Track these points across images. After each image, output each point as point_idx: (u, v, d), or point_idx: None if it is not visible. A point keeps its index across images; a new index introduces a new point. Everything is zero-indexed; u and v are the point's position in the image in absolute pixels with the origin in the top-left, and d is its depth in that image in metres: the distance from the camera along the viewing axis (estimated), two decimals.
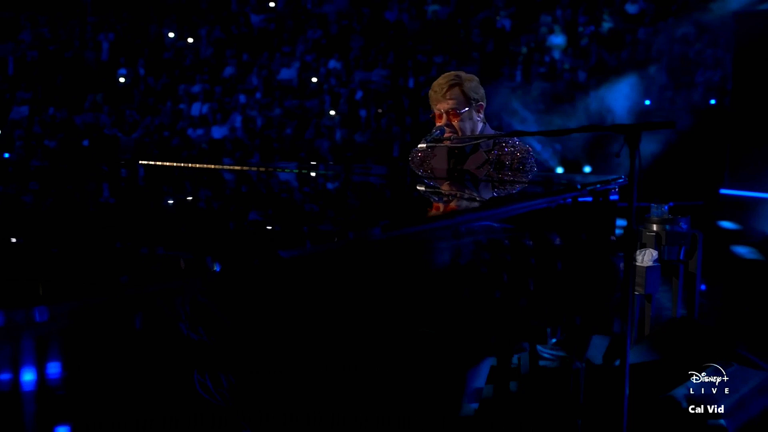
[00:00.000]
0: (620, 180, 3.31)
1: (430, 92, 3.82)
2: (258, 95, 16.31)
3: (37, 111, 16.03)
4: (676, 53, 14.05)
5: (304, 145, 14.62)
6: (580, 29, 15.64)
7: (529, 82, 14.68)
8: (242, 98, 16.20)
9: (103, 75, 17.02)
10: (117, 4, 18.91)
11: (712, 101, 13.38)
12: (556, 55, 15.35)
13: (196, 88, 16.60)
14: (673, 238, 4.50)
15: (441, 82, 3.79)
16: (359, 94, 15.98)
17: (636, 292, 4.48)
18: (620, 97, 13.12)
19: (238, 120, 15.40)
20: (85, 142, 14.79)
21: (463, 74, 3.82)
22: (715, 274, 7.03)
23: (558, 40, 15.55)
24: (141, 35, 18.22)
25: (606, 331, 5.07)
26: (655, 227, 4.56)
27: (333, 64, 16.94)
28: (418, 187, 3.66)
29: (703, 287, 6.81)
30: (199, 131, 15.35)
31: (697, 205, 10.77)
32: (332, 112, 15.46)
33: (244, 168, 4.83)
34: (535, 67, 15.21)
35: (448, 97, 3.76)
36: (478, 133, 3.75)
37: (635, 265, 4.47)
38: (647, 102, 13.41)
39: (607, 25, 15.37)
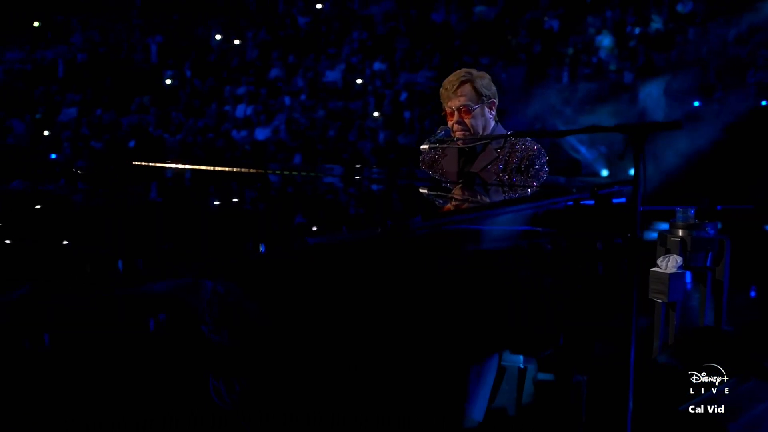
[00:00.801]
0: (617, 187, 3.14)
1: (441, 90, 3.72)
2: (303, 97, 16.30)
3: (85, 113, 16.21)
4: (727, 54, 13.70)
5: (346, 147, 14.57)
6: (629, 29, 15.35)
7: (576, 84, 14.44)
8: (287, 100, 16.21)
9: (151, 77, 17.16)
10: (165, 7, 19.08)
11: (764, 102, 13.01)
12: (604, 55, 15.07)
13: (241, 90, 16.66)
14: (698, 244, 4.32)
15: (452, 78, 3.69)
16: (404, 96, 15.88)
17: (658, 300, 4.31)
18: (668, 98, 12.82)
19: (281, 122, 15.41)
20: (131, 144, 14.91)
21: (474, 71, 3.71)
22: (762, 282, 6.76)
23: (606, 41, 15.27)
24: (188, 38, 18.35)
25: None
26: (680, 232, 4.38)
27: (378, 65, 16.87)
28: (421, 191, 3.56)
29: (752, 294, 6.57)
30: (243, 133, 15.38)
31: (746, 209, 10.47)
32: (376, 114, 15.39)
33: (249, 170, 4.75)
34: (582, 68, 14.95)
35: (459, 94, 3.66)
36: (489, 130, 3.65)
37: (658, 272, 4.30)
38: (696, 103, 13.09)
39: (655, 26, 15.06)
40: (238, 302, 2.54)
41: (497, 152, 3.65)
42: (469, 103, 3.62)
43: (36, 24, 19.04)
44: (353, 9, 18.68)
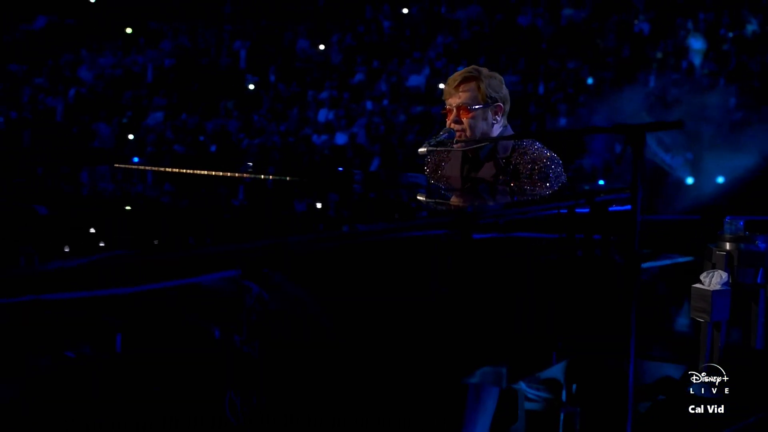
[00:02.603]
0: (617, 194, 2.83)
1: (445, 86, 3.43)
2: (385, 102, 16.18)
3: (171, 117, 16.46)
4: None
5: None
6: (722, 32, 14.71)
7: (665, 88, 13.90)
8: (369, 105, 16.12)
9: (236, 82, 17.32)
10: (254, 13, 19.26)
11: None
12: (695, 59, 14.47)
13: (324, 95, 16.65)
14: (747, 259, 3.94)
15: (456, 74, 3.40)
16: None
17: (701, 319, 3.96)
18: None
19: (361, 126, 15.33)
20: (213, 148, 15.05)
21: (485, 70, 3.41)
22: None
23: (697, 44, 14.66)
24: (274, 43, 18.46)
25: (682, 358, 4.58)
26: (727, 246, 4.01)
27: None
28: (419, 198, 3.31)
29: None
30: (324, 137, 15.36)
31: None
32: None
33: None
34: (672, 73, 14.40)
35: (460, 90, 3.34)
36: (491, 136, 3.33)
37: (701, 289, 3.95)
38: None
39: (751, 28, 14.38)
40: (282, 310, 2.44)
41: (503, 161, 3.32)
42: (469, 102, 3.31)
43: (128, 30, 19.47)
44: (439, 13, 18.49)
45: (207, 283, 2.36)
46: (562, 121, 14.15)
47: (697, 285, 4.00)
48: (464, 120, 3.34)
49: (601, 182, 12.20)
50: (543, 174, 3.22)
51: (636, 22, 16.23)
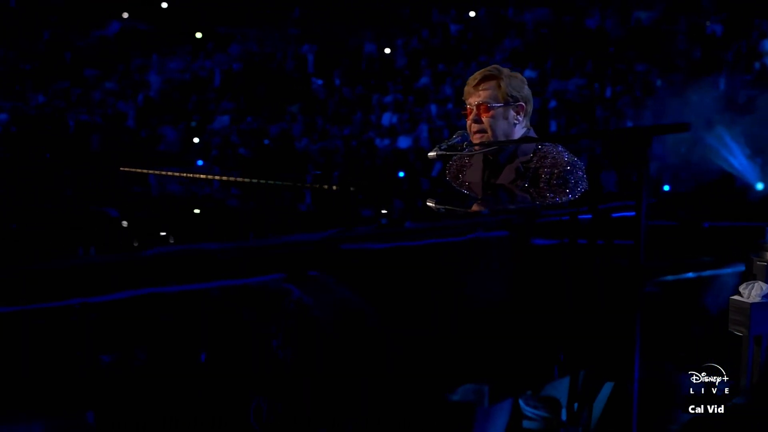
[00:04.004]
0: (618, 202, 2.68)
1: (465, 86, 3.32)
2: (449, 106, 16.07)
3: (237, 120, 16.62)
4: None
5: None
6: None
7: (737, 91, 13.48)
8: (433, 108, 16.03)
9: (301, 85, 17.42)
10: (321, 17, 19.35)
11: None
12: None
13: (389, 98, 16.61)
14: None
15: (476, 73, 3.29)
16: (552, 104, 15.36)
17: (739, 333, 3.77)
18: None
19: (424, 130, 15.24)
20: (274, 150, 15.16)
21: (506, 69, 3.29)
22: None
23: None
24: (340, 46, 18.51)
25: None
26: None
27: (528, 73, 16.41)
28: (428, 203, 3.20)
29: None
30: (386, 141, 15.32)
31: None
32: None
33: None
34: (745, 75, 13.97)
35: (480, 89, 3.22)
36: (514, 138, 3.21)
37: (739, 301, 3.77)
38: None
39: None
40: (327, 316, 2.40)
41: (524, 165, 3.19)
42: (490, 101, 3.20)
43: (198, 35, 19.73)
44: (506, 16, 18.30)
45: (253, 284, 2.32)
46: (629, 125, 13.84)
47: (736, 297, 3.82)
48: (484, 119, 3.22)
49: (666, 188, 11.89)
50: (562, 179, 3.08)
51: (708, 23, 15.82)
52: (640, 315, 2.38)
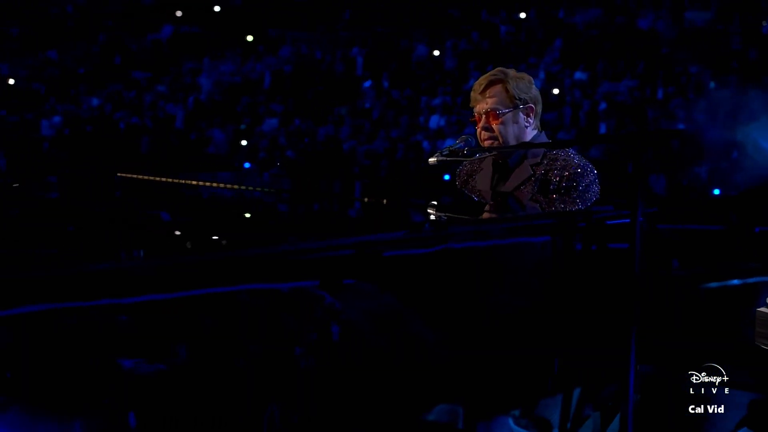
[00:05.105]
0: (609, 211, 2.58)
1: (471, 92, 3.24)
2: None
3: (285, 123, 16.71)
4: None
5: None
6: None
7: None
8: None
9: (350, 88, 17.44)
10: (371, 20, 19.36)
11: None
12: None
13: (437, 101, 16.55)
14: None
15: (481, 79, 3.20)
16: (602, 106, 15.15)
17: (765, 347, 3.63)
18: None
19: (472, 133, 15.15)
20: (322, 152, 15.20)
21: (512, 71, 3.19)
22: None
23: None
24: (390, 49, 18.50)
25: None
26: None
27: (579, 75, 16.23)
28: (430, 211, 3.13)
29: None
30: (434, 143, 15.27)
31: None
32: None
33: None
34: None
35: (487, 96, 3.12)
36: (526, 141, 3.12)
37: (766, 313, 3.63)
38: None
39: None
40: (355, 322, 2.38)
41: (533, 169, 3.09)
42: (498, 107, 3.09)
43: (249, 38, 19.88)
44: (557, 17, 18.11)
45: (285, 290, 2.31)
46: (680, 127, 13.58)
47: (763, 309, 3.68)
48: (494, 126, 3.14)
49: (717, 191, 11.64)
50: (570, 183, 2.99)
51: (765, 23, 15.47)
52: (636, 327, 2.31)
